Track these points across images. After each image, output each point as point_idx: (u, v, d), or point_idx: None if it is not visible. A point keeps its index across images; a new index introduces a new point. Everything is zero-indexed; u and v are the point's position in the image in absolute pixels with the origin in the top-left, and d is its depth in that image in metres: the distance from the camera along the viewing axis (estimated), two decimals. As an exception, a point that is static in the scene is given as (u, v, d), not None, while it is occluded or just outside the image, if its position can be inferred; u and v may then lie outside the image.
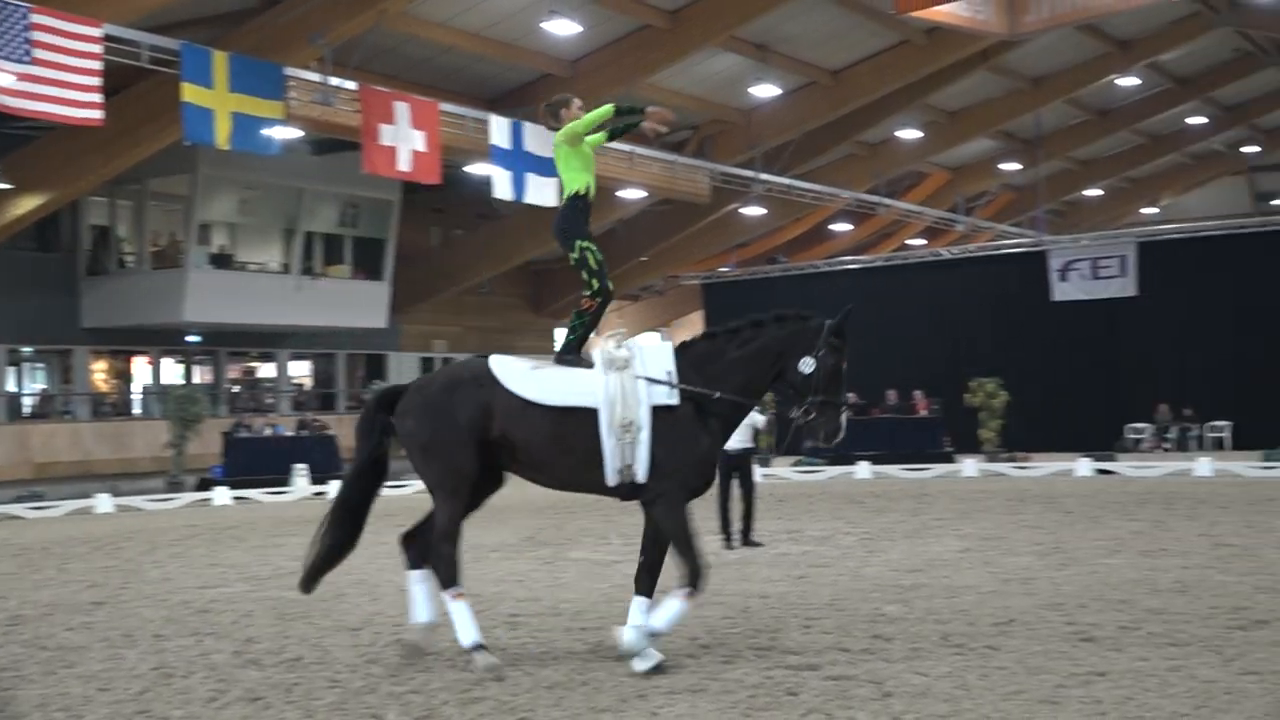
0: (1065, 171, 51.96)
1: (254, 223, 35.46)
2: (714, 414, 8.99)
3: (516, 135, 28.68)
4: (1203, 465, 25.51)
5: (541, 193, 29.29)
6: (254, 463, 29.87)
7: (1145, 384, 32.70)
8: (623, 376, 8.95)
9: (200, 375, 37.06)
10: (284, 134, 26.05)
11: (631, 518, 19.72)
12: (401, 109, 26.22)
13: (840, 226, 50.74)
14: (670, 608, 8.78)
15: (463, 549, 10.35)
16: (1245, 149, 55.61)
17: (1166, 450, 31.84)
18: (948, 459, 30.00)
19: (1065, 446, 30.15)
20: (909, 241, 52.80)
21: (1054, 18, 30.02)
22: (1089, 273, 34.00)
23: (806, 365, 8.92)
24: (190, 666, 9.41)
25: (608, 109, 9.65)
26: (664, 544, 9.04)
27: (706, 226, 41.45)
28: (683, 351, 9.23)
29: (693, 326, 54.58)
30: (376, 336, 38.21)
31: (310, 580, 9.51)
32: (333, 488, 28.28)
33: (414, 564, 9.40)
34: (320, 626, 10.93)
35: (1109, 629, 9.62)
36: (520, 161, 28.79)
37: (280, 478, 29.17)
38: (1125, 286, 33.34)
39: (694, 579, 8.75)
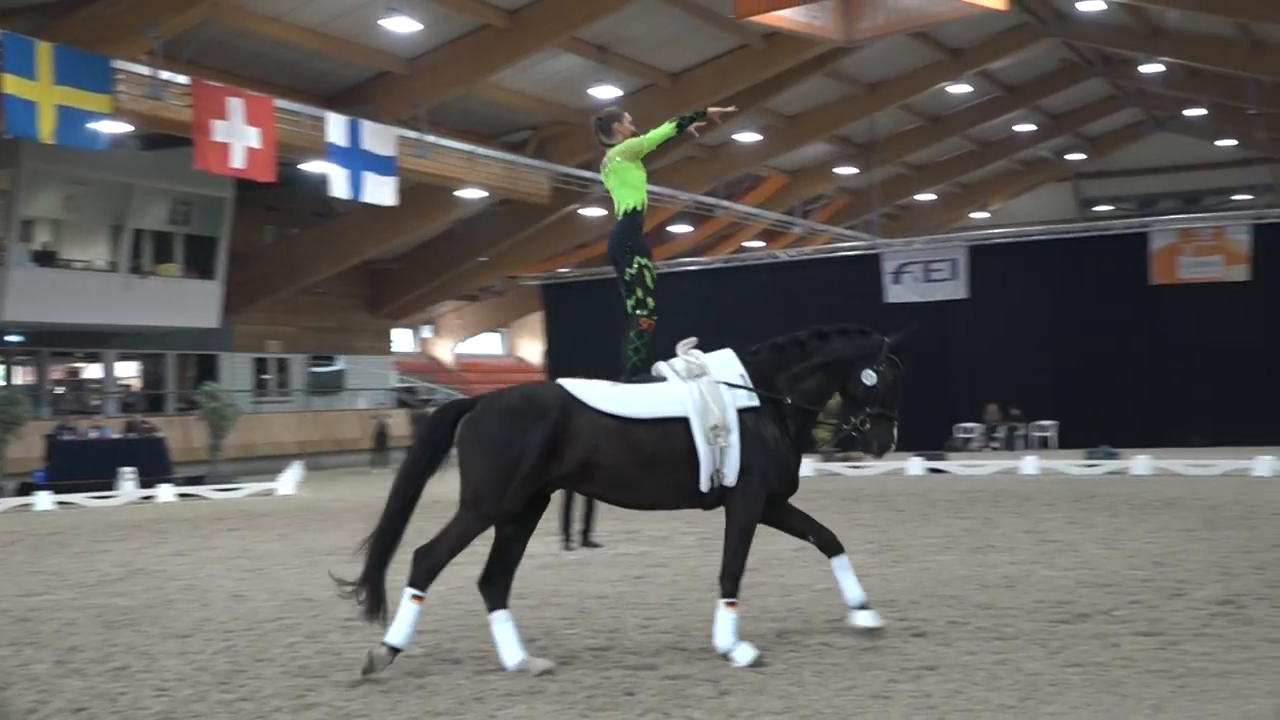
0: (899, 176, 53.00)
1: (80, 219, 34.38)
2: (789, 418, 9.23)
3: (354, 133, 28.30)
4: (1029, 464, 26.18)
5: (379, 192, 28.95)
6: (79, 466, 28.90)
7: (975, 385, 33.55)
8: (702, 383, 9.08)
9: (22, 376, 35.87)
10: (112, 128, 25.31)
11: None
12: (235, 105, 25.70)
13: (679, 228, 51.06)
14: (724, 622, 8.81)
15: (296, 552, 10.32)
16: (1071, 156, 57.35)
17: (995, 449, 32.66)
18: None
19: (898, 446, 30.73)
20: (747, 243, 53.36)
21: (888, 25, 30.59)
22: (921, 275, 34.75)
23: (869, 378, 9.47)
24: (8, 677, 9.07)
25: (670, 128, 9.70)
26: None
27: (546, 227, 41.38)
28: (747, 360, 9.48)
29: (533, 328, 54.54)
30: (208, 337, 37.37)
31: (371, 580, 8.98)
32: (163, 491, 27.64)
33: (494, 606, 9.00)
34: (148, 634, 10.63)
35: (939, 624, 9.81)
36: (357, 160, 28.41)
37: (106, 481, 28.28)
38: (956, 289, 34.14)
39: (735, 582, 8.95)
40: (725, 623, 8.78)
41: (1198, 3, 31.99)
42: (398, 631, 8.59)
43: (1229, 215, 33.37)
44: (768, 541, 15.51)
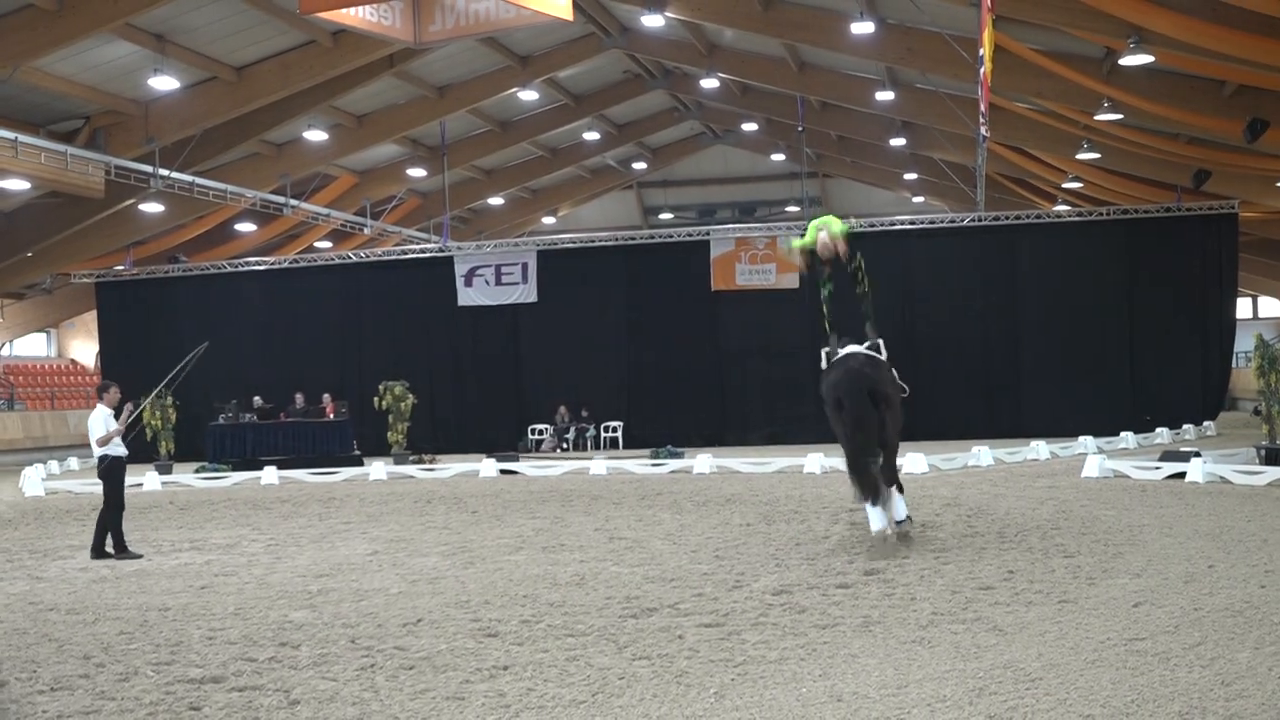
0: (470, 180, 53.22)
1: None
2: None
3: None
4: (598, 464, 26.84)
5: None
6: None
7: (546, 386, 34.21)
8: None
9: None
10: None
11: (16, 531, 18.40)
12: None
13: (245, 226, 49.49)
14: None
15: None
16: (635, 165, 59.21)
17: (565, 450, 33.35)
18: (357, 462, 29.94)
19: (473, 448, 30.96)
20: (317, 244, 52.34)
21: (457, 29, 30.60)
22: (493, 279, 35.11)
23: None
24: None
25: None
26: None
27: (100, 222, 39.17)
28: None
29: (86, 326, 51.65)
30: None
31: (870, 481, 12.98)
32: None
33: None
34: None
35: (512, 624, 9.88)
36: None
37: None
38: (527, 293, 34.68)
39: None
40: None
41: (750, 23, 33.63)
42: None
43: (781, 225, 35.33)
44: (338, 547, 15.29)
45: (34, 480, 27.49)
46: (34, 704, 7.87)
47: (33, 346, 55.40)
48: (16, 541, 17.42)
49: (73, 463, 35.00)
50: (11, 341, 52.74)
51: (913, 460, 23.64)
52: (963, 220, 34.26)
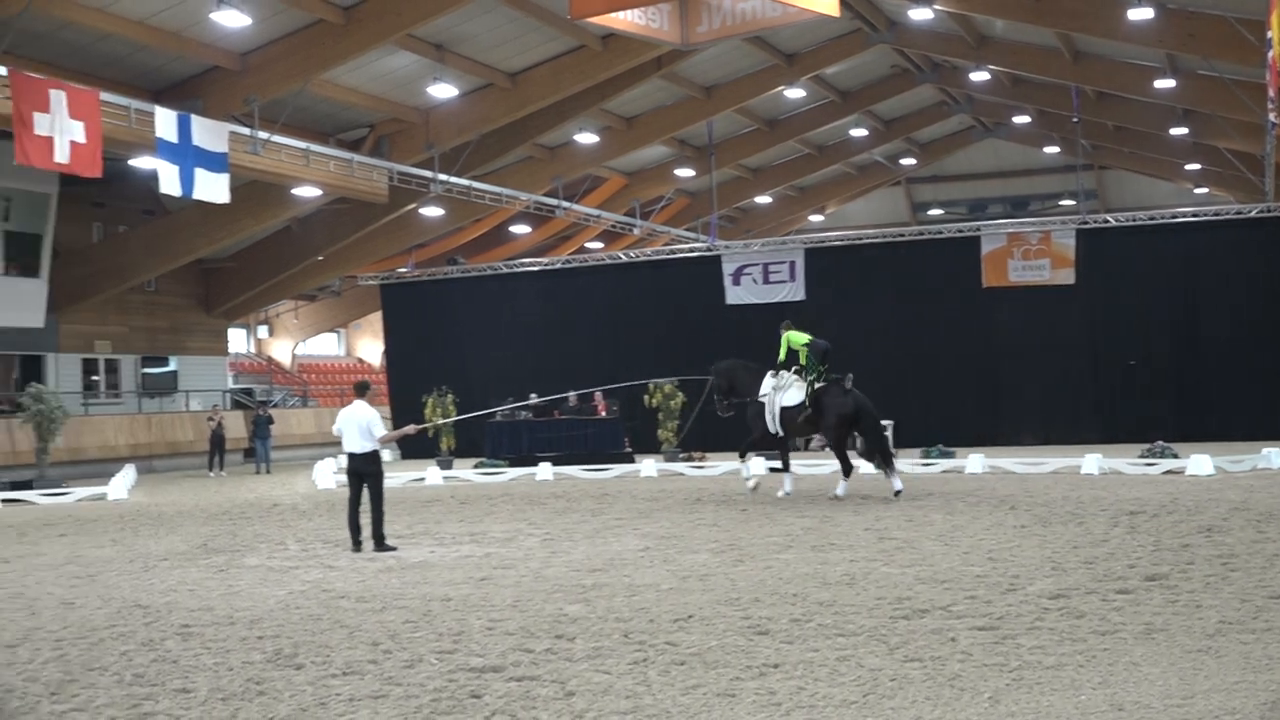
0: (737, 179, 53.50)
1: (-105, 213, 33.03)
2: None
3: (184, 129, 27.55)
4: (864, 463, 26.57)
5: (211, 189, 28.22)
6: (-112, 473, 27.72)
7: (815, 385, 33.96)
8: None
9: None
10: (-76, 120, 24.30)
11: (310, 522, 19.33)
12: (58, 97, 24.81)
13: (520, 229, 50.90)
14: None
15: (129, 558, 9.80)
16: (903, 161, 58.49)
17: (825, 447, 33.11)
18: (628, 459, 30.43)
19: (738, 446, 31.02)
20: (588, 244, 53.42)
21: (723, 29, 30.79)
22: (760, 277, 35.15)
23: None
24: None
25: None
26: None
27: (384, 226, 40.86)
28: None
29: (372, 326, 53.89)
30: (32, 336, 36.09)
31: None
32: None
33: None
34: (-29, 645, 10.23)
35: (782, 622, 9.91)
36: (188, 156, 27.66)
37: (-75, 487, 27.20)
38: (794, 291, 34.60)
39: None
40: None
41: (1022, 13, 32.87)
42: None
43: (1055, 220, 34.35)
44: (610, 543, 15.58)
45: (325, 474, 28.83)
46: (328, 686, 8.28)
47: (324, 346, 58.09)
48: (310, 532, 18.32)
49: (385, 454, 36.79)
50: (304, 341, 55.41)
51: (1197, 462, 22.75)
52: (1250, 211, 32.64)
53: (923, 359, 33.47)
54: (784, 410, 21.67)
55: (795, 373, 21.77)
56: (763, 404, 22.01)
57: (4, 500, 27.16)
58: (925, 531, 15.62)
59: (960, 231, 35.26)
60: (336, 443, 16.04)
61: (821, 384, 21.51)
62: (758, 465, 23.65)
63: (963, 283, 33.26)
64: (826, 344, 22.03)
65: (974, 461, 25.48)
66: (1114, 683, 7.80)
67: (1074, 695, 7.55)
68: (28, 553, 17.05)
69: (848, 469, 21.37)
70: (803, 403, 21.47)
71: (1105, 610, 10.02)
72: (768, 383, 22.01)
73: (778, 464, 22.57)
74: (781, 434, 21.97)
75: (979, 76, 42.32)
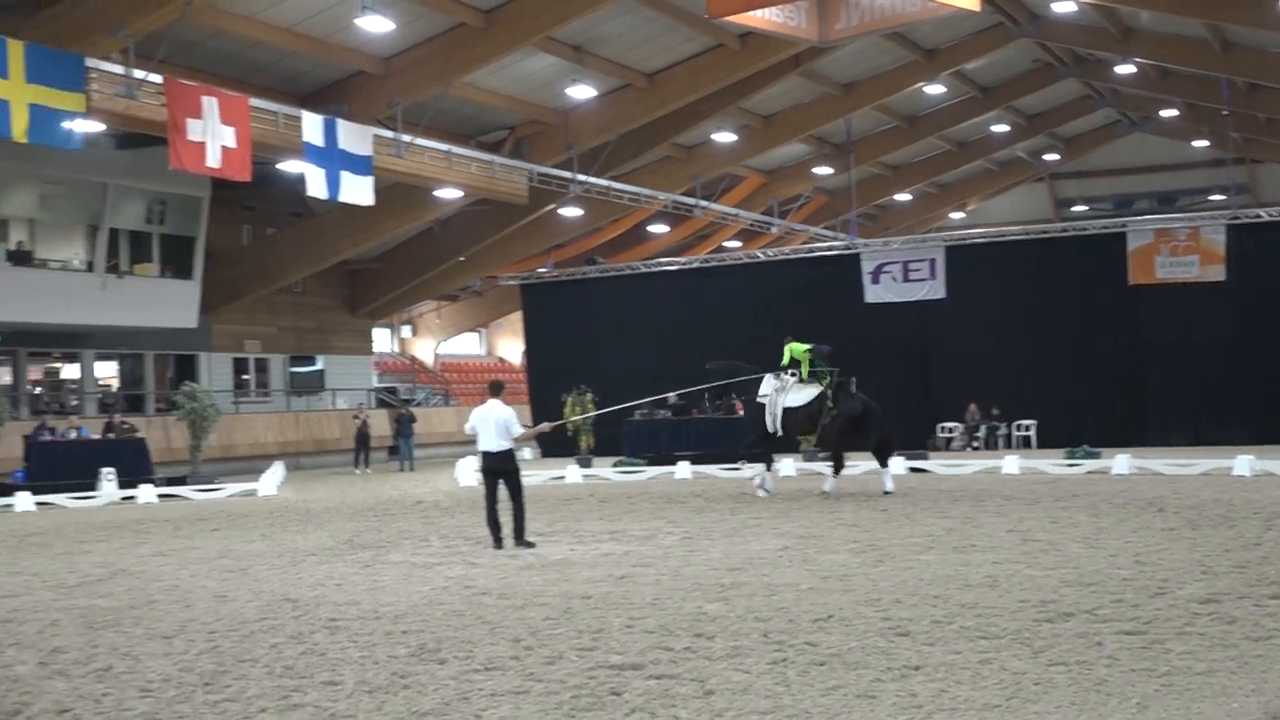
0: (876, 176, 53.08)
1: (55, 218, 34.13)
2: None
3: (330, 132, 28.15)
4: (1010, 463, 26.26)
5: (356, 191, 28.80)
6: (58, 467, 28.62)
7: (955, 384, 33.61)
8: None
9: (-1, 376, 35.58)
10: (85, 127, 25.10)
11: (453, 520, 19.61)
12: (210, 104, 25.51)
13: (658, 228, 51.08)
14: None
15: (279, 552, 10.11)
16: (1046, 156, 57.52)
17: (975, 449, 32.75)
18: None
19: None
20: (726, 243, 53.42)
21: (862, 25, 30.57)
22: (900, 275, 34.82)
23: None
24: (-8, 681, 9.03)
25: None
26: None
27: (524, 227, 41.34)
28: None
29: (512, 326, 54.46)
30: (186, 336, 37.15)
31: None
32: (143, 492, 27.49)
33: None
34: (131, 635, 10.57)
35: (923, 624, 9.82)
36: (334, 159, 28.26)
37: (87, 482, 28.10)
38: (934, 289, 34.22)
39: None
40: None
41: (1169, 4, 32.13)
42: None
43: (1205, 216, 33.51)
44: (749, 542, 15.58)
45: (467, 472, 29.20)
46: (470, 681, 8.41)
47: (465, 345, 58.88)
48: (452, 529, 18.59)
49: (525, 453, 37.59)
50: (446, 340, 56.22)
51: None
52: None
53: (1066, 358, 32.89)
54: (786, 411, 22.60)
55: (795, 376, 22.82)
56: (762, 405, 22.92)
57: (160, 495, 27.98)
58: (1070, 534, 15.34)
59: (1105, 228, 34.55)
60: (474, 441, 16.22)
61: (830, 386, 22.48)
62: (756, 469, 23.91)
63: (1108, 280, 32.59)
64: (829, 348, 23.04)
65: (1120, 462, 24.97)
66: (1268, 690, 7.59)
67: (1226, 702, 7.37)
68: (182, 546, 17.57)
69: (839, 467, 22.44)
70: (806, 404, 22.47)
71: (1259, 616, 9.75)
72: (769, 384, 22.99)
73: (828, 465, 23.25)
74: (781, 434, 23.00)
75: (1124, 69, 41.47)
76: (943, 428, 33.83)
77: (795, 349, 23.03)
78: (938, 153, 52.90)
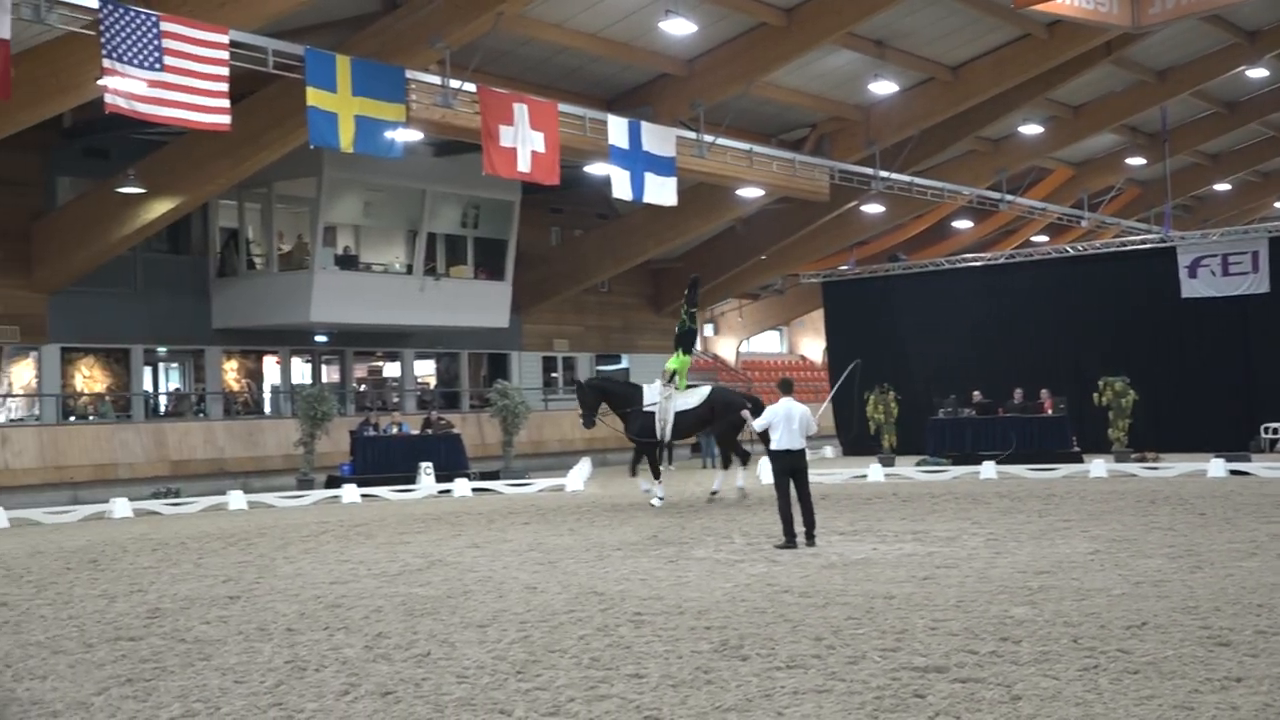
0: (1192, 166, 50.85)
1: (378, 224, 35.87)
2: None
3: (634, 135, 28.72)
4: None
5: (660, 192, 29.31)
6: (381, 461, 30.10)
7: (1280, 382, 31.83)
8: None
9: (328, 374, 37.50)
10: (405, 136, 26.31)
11: (755, 517, 19.78)
12: (520, 110, 26.37)
13: (961, 224, 50.18)
14: None
15: (586, 546, 10.39)
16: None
17: (1302, 451, 31.00)
18: (1076, 459, 29.46)
19: (1196, 447, 29.47)
20: (1033, 238, 52.08)
21: (1179, 9, 29.40)
22: (1219, 269, 33.17)
23: None
24: (322, 660, 9.60)
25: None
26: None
27: (825, 225, 41.26)
28: None
29: (814, 324, 54.38)
30: (499, 336, 38.50)
31: None
32: (459, 486, 28.66)
33: None
34: (448, 623, 11.08)
35: (1245, 633, 9.40)
36: (639, 161, 28.83)
37: (407, 475, 29.50)
38: (1258, 283, 32.48)
39: None
40: None
41: None
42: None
43: None
44: (1057, 545, 15.18)
45: (769, 470, 29.27)
46: (773, 679, 8.49)
47: (766, 343, 59.08)
48: (755, 526, 18.73)
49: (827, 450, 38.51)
50: (748, 338, 56.57)
51: None
52: None
53: None
54: (678, 415, 23.64)
55: (673, 385, 24.04)
56: (651, 413, 23.58)
57: (474, 489, 29.08)
58: None
59: None
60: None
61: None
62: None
63: None
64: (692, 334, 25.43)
65: None
66: None
67: None
68: (495, 539, 18.25)
69: (745, 459, 24.71)
70: (695, 407, 23.76)
71: None
72: (654, 392, 23.78)
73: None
74: (669, 440, 23.88)
75: None
76: (1267, 428, 32.10)
77: (678, 362, 24.48)
78: (1260, 139, 50.28)
